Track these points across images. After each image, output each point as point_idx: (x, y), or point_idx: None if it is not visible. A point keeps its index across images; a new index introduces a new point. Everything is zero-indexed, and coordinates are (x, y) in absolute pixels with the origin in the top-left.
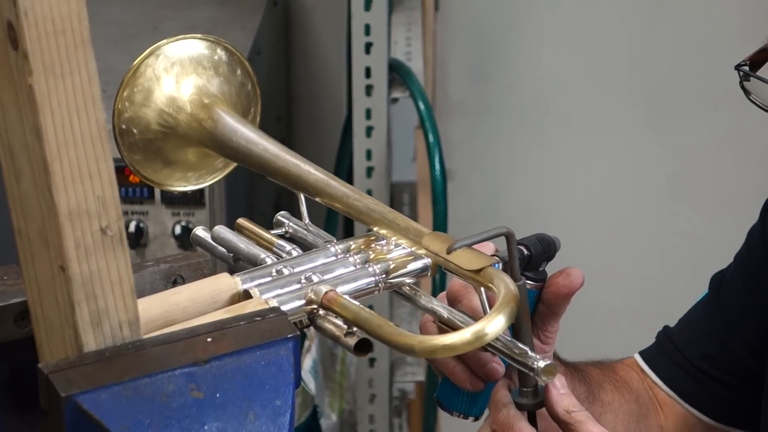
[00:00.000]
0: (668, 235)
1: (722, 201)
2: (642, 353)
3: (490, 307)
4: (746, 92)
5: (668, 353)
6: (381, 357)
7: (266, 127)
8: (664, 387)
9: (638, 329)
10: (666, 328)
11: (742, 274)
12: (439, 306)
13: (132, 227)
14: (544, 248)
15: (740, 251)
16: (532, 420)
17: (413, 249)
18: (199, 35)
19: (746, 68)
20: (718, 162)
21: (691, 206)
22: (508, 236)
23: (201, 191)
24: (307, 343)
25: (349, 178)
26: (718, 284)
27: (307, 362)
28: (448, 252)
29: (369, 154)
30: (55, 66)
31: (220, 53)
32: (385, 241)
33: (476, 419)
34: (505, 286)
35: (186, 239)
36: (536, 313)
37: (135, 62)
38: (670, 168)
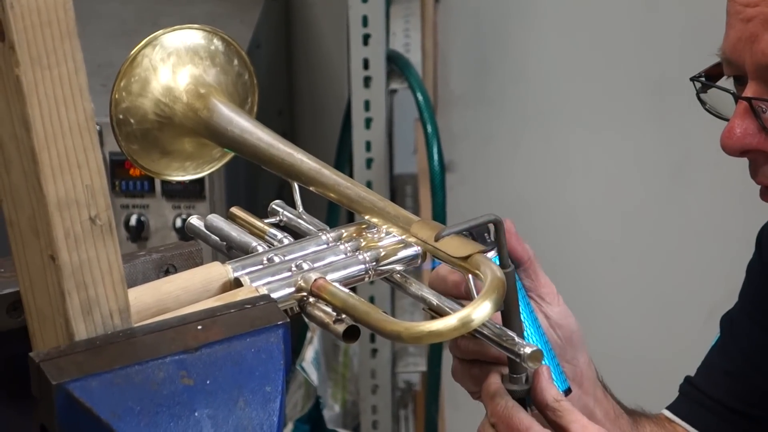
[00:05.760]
0: (671, 224)
1: (725, 190)
2: (670, 408)
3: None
4: (702, 102)
5: (697, 400)
6: (383, 348)
7: (268, 121)
8: None
9: (640, 319)
10: (688, 378)
11: (747, 308)
12: (429, 293)
13: (133, 221)
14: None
15: (743, 288)
16: (523, 407)
17: (404, 237)
18: (195, 25)
19: (702, 80)
20: (721, 151)
21: (695, 195)
22: (497, 224)
23: (201, 184)
24: (309, 334)
25: (349, 170)
26: (728, 323)
27: (310, 353)
28: (436, 239)
29: (368, 146)
30: (41, 57)
31: (217, 43)
32: (376, 229)
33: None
34: (491, 272)
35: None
36: (520, 276)
37: (132, 52)
38: (673, 157)
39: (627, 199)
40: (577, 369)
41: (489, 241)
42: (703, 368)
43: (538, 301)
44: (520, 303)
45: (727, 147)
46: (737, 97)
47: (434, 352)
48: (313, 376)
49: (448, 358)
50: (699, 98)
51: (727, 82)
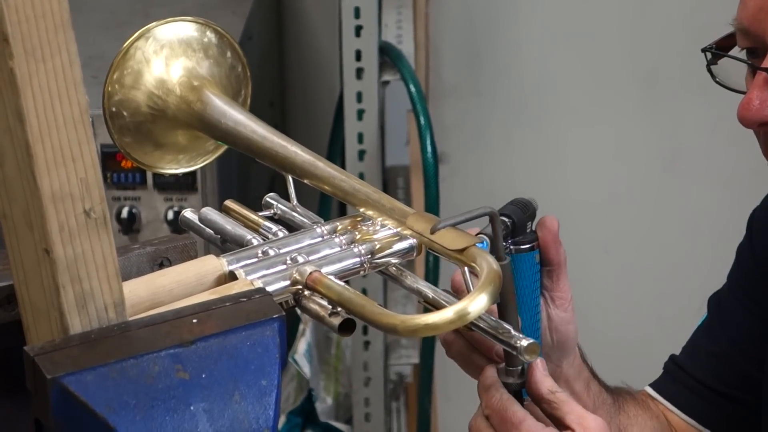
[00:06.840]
0: (664, 215)
1: (717, 180)
2: (653, 385)
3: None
4: (713, 75)
5: (680, 380)
6: (375, 340)
7: (260, 112)
8: (680, 413)
9: (633, 310)
10: (673, 356)
11: (736, 291)
12: (425, 286)
13: (125, 213)
14: (523, 211)
15: (732, 270)
16: (518, 399)
17: (399, 229)
18: (188, 18)
19: (713, 51)
20: (712, 141)
21: (687, 186)
22: (492, 215)
23: (193, 176)
24: (301, 326)
25: (341, 162)
26: (716, 305)
27: (302, 346)
28: (432, 232)
29: (360, 138)
30: (35, 49)
31: (210, 36)
32: (371, 221)
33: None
34: (487, 265)
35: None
36: (542, 274)
37: (125, 45)
38: (665, 148)
39: (619, 190)
40: (558, 369)
41: (529, 231)
42: (689, 348)
43: (549, 302)
44: (530, 295)
45: (745, 119)
46: (756, 68)
47: (427, 344)
48: (306, 369)
49: (440, 351)
50: (709, 70)
51: (739, 55)
